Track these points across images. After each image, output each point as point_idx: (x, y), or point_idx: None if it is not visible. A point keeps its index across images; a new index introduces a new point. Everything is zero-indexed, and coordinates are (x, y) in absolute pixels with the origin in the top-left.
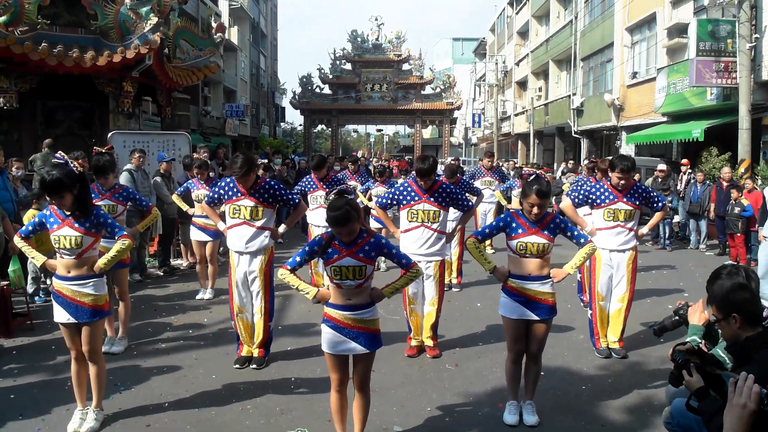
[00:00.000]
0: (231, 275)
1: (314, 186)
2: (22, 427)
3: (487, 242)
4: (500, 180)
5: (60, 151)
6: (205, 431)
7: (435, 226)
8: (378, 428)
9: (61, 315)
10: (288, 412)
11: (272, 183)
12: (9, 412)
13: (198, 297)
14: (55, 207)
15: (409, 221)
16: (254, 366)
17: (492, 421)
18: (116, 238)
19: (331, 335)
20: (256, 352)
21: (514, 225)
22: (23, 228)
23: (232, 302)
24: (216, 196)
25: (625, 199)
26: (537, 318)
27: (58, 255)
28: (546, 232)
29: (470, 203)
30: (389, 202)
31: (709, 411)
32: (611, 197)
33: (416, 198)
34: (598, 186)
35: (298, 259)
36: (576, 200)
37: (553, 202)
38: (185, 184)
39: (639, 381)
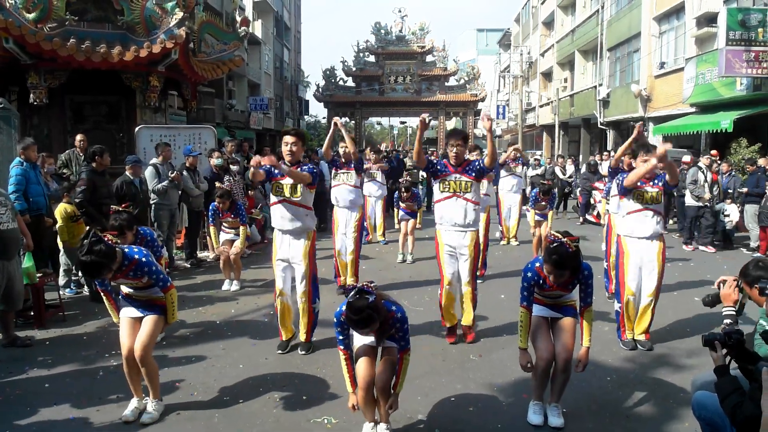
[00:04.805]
0: (274, 257)
1: (337, 164)
2: (56, 414)
3: (512, 234)
4: (525, 165)
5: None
6: (232, 420)
7: (468, 195)
8: (402, 417)
9: (130, 312)
10: (314, 401)
11: (307, 167)
12: (44, 401)
13: (224, 288)
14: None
15: (441, 192)
16: (303, 351)
17: (516, 411)
18: (162, 290)
19: None
20: (303, 337)
21: (541, 282)
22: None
23: (275, 284)
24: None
25: (651, 183)
26: (561, 315)
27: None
28: (570, 287)
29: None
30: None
31: (727, 390)
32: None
33: (447, 171)
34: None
35: (341, 337)
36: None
37: (578, 194)
38: (212, 209)
39: (664, 373)
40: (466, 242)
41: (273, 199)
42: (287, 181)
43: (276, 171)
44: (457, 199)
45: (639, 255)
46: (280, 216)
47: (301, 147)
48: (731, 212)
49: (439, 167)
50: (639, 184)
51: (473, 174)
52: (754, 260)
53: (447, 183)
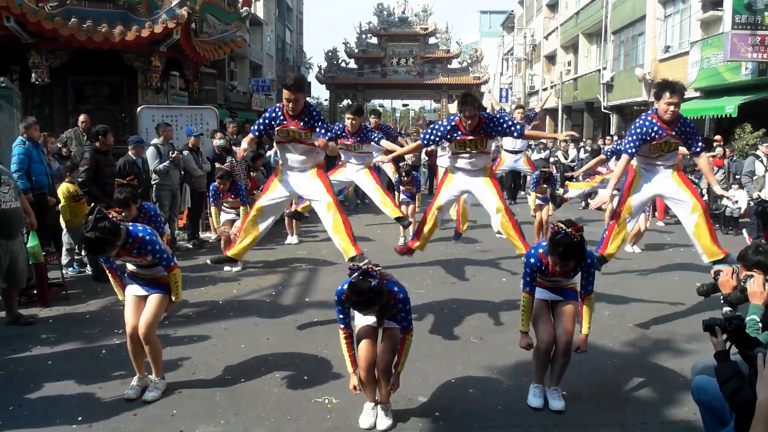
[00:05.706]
0: (273, 185)
1: (344, 135)
2: (60, 391)
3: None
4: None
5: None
6: (233, 398)
7: (485, 150)
8: (403, 398)
9: (136, 290)
10: (315, 381)
11: (317, 110)
12: (47, 377)
13: (226, 268)
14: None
15: (457, 147)
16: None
17: (516, 393)
18: (165, 270)
19: None
20: (353, 250)
21: (543, 268)
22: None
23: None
24: (262, 126)
25: (673, 133)
26: (561, 298)
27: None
28: (572, 274)
29: (519, 127)
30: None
31: (726, 375)
32: (661, 132)
33: (460, 135)
34: (648, 124)
35: (341, 316)
36: (632, 146)
37: (580, 179)
38: (213, 189)
39: (664, 358)
40: (480, 180)
41: (279, 139)
42: (293, 128)
43: (278, 121)
44: (473, 153)
45: (651, 186)
46: (287, 153)
47: (302, 99)
48: (740, 198)
49: (450, 136)
50: (661, 134)
51: (484, 134)
52: (753, 245)
53: (463, 143)
